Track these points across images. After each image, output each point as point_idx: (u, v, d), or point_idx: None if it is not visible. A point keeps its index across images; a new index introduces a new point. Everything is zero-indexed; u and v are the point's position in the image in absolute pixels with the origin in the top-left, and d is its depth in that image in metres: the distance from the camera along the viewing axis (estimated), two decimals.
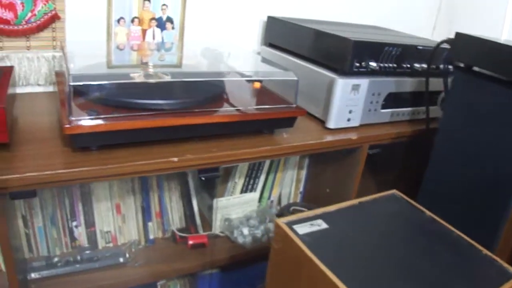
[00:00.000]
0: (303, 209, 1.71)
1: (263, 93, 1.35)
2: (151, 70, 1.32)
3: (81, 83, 1.08)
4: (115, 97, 1.19)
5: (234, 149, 1.26)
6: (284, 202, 1.78)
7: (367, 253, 1.00)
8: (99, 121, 1.11)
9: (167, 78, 1.23)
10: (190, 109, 1.23)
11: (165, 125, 1.17)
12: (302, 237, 1.00)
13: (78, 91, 1.15)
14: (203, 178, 1.22)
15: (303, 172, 1.76)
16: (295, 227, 1.03)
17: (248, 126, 1.24)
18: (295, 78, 1.25)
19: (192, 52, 1.62)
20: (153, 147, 1.21)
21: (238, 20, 1.86)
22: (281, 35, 1.77)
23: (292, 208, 1.72)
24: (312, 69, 1.43)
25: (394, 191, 1.24)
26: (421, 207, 1.18)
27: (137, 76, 1.22)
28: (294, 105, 1.28)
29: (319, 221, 1.09)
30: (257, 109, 1.23)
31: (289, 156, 1.28)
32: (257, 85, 1.29)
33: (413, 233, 1.09)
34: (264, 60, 1.65)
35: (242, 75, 1.35)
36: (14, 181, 1.03)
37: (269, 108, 1.25)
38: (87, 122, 1.11)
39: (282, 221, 1.05)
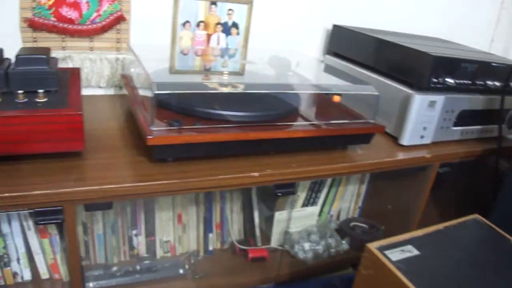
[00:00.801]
0: (364, 225, 1.65)
1: (338, 107, 1.30)
2: (225, 78, 1.24)
3: (165, 92, 1.01)
4: (197, 107, 1.16)
5: (312, 165, 1.21)
6: (342, 217, 1.71)
7: (460, 282, 0.95)
8: (182, 133, 1.08)
9: (242, 88, 1.15)
10: (270, 122, 1.19)
11: (248, 139, 1.12)
12: (397, 264, 0.96)
13: (159, 100, 1.09)
14: (279, 194, 1.13)
15: (363, 187, 1.67)
16: (387, 253, 0.98)
17: (324, 141, 1.20)
18: (376, 93, 1.20)
19: (257, 59, 1.53)
20: (229, 160, 1.16)
21: (301, 27, 1.81)
22: (347, 44, 1.72)
23: (352, 223, 1.65)
24: (385, 82, 1.39)
25: (476, 215, 1.20)
26: (505, 234, 1.13)
27: (212, 85, 1.14)
28: (373, 121, 1.22)
29: (409, 247, 1.04)
30: (334, 124, 1.18)
31: (364, 173, 1.20)
32: (337, 98, 1.23)
33: (502, 262, 1.04)
34: (335, 71, 1.59)
35: (319, 87, 1.26)
36: (91, 193, 0.99)
37: (347, 124, 1.20)
38: (169, 133, 1.06)
39: (374, 246, 1.00)
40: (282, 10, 1.68)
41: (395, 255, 0.98)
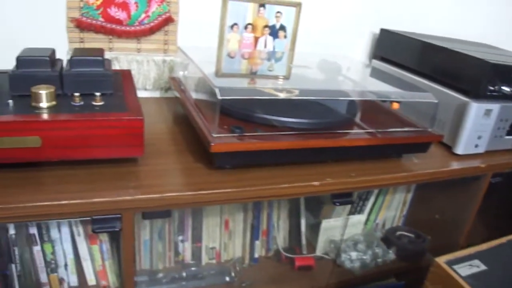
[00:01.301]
0: (410, 234, 1.58)
1: (392, 114, 1.27)
2: (280, 83, 1.18)
3: (229, 98, 0.94)
4: (258, 113, 1.12)
5: (371, 175, 1.16)
6: (387, 225, 1.63)
7: None
8: (243, 140, 1.03)
9: (301, 94, 1.09)
10: (329, 130, 1.14)
11: (308, 147, 1.08)
12: (467, 280, 0.92)
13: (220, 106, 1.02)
14: (337, 204, 1.07)
15: (409, 195, 1.60)
16: (456, 267, 0.93)
17: (380, 150, 1.15)
18: (435, 101, 1.17)
19: (305, 63, 1.46)
20: (287, 168, 1.12)
21: (347, 31, 1.76)
22: (395, 49, 1.67)
23: (398, 233, 1.59)
24: (438, 89, 1.34)
25: None
26: None
27: (269, 90, 1.08)
28: (430, 129, 1.18)
29: (476, 262, 1.01)
30: (391, 132, 1.15)
31: (421, 182, 1.14)
32: (396, 106, 1.16)
33: None
34: (387, 77, 1.56)
35: (377, 94, 1.19)
36: (151, 201, 0.95)
37: (404, 132, 1.17)
38: (231, 140, 1.02)
39: (442, 261, 0.95)
40: (328, 13, 1.64)
41: (464, 270, 0.95)
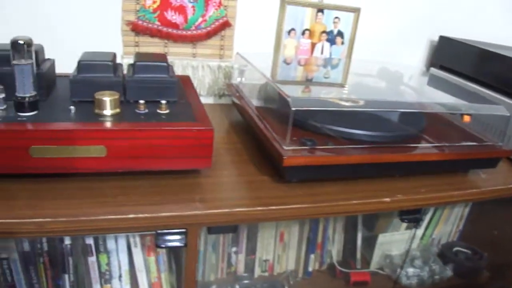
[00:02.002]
0: (467, 250, 1.49)
1: (458, 127, 1.25)
2: (345, 92, 1.11)
3: (303, 109, 0.87)
4: (329, 124, 1.05)
5: (440, 191, 1.09)
6: (442, 240, 1.53)
7: None
8: (315, 153, 0.97)
9: (362, 104, 1.03)
10: (398, 143, 1.08)
11: (383, 161, 1.01)
12: None
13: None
14: (406, 221, 1.00)
15: (467, 210, 1.50)
16: None
17: (448, 165, 1.07)
18: (507, 114, 1.09)
19: (361, 70, 1.39)
20: (356, 183, 1.05)
21: (404, 38, 1.69)
22: (456, 57, 1.58)
23: (455, 249, 1.49)
24: (504, 100, 1.30)
25: None
26: None
27: (334, 100, 1.04)
28: (500, 144, 1.10)
29: None
30: (460, 146, 1.11)
31: (491, 199, 1.07)
32: (467, 119, 1.08)
33: None
34: (450, 87, 1.49)
35: (446, 106, 1.12)
36: (219, 217, 0.89)
37: (473, 146, 1.10)
38: (303, 153, 0.96)
39: None
40: (386, 19, 1.58)
41: None
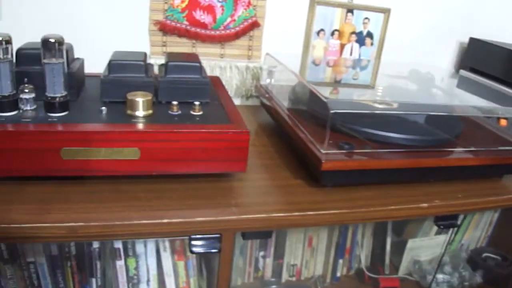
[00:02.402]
0: (496, 256, 1.44)
1: (491, 131, 1.20)
2: (378, 95, 1.06)
3: (342, 111, 0.83)
4: (366, 128, 1.01)
5: (477, 196, 1.05)
6: (471, 246, 1.49)
7: None
8: (352, 157, 0.93)
9: (396, 107, 1.00)
10: (436, 147, 1.03)
11: (422, 166, 0.98)
12: None
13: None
14: (442, 227, 0.99)
15: (496, 215, 1.45)
16: None
17: (484, 170, 1.04)
18: None
19: (391, 71, 1.35)
20: (392, 187, 1.01)
21: (434, 39, 1.65)
22: (487, 59, 1.54)
23: (484, 254, 1.45)
24: None
25: None
26: None
27: (368, 102, 1.04)
28: None
29: None
30: (496, 151, 1.08)
31: None
32: (504, 122, 1.03)
33: None
34: (483, 90, 1.44)
35: (482, 109, 1.08)
36: (256, 222, 0.86)
37: (509, 151, 1.07)
38: (341, 157, 0.93)
39: None
40: (415, 20, 1.54)
41: None
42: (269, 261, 1.27)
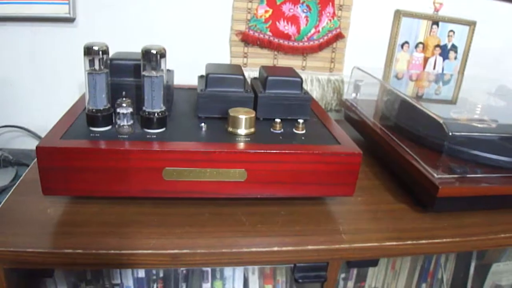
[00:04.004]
0: None
1: None
2: (477, 113, 0.98)
3: (460, 134, 0.75)
4: (478, 150, 0.91)
5: None
6: None
7: None
8: (464, 182, 0.84)
9: (496, 127, 0.90)
10: None
11: None
12: None
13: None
14: None
15: None
16: None
17: None
18: None
19: (475, 86, 1.25)
20: (498, 213, 0.92)
21: None
22: None
23: None
24: None
25: None
26: None
27: (466, 121, 0.96)
28: None
29: None
30: None
31: None
32: None
33: None
34: None
35: None
36: (366, 251, 0.79)
37: None
38: (454, 182, 0.84)
39: None
40: (501, 33, 1.44)
41: None
42: (351, 283, 1.18)
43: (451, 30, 1.33)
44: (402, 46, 1.30)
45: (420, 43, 1.31)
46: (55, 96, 1.21)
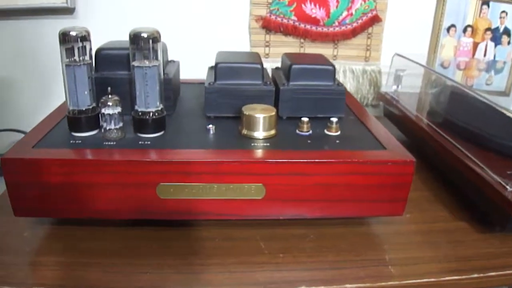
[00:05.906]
0: None
1: None
2: None
3: None
4: None
5: None
6: None
7: None
8: None
9: None
10: None
11: None
12: None
13: None
14: None
15: None
16: None
17: None
18: None
19: None
20: None
21: None
22: None
23: None
24: None
25: None
26: None
27: None
28: None
29: None
30: None
31: None
32: None
33: None
34: None
35: None
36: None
37: None
38: None
39: None
40: None
41: None
42: None
43: (504, 11, 1.14)
44: (448, 30, 1.11)
45: (469, 26, 1.11)
46: (55, 96, 1.05)
